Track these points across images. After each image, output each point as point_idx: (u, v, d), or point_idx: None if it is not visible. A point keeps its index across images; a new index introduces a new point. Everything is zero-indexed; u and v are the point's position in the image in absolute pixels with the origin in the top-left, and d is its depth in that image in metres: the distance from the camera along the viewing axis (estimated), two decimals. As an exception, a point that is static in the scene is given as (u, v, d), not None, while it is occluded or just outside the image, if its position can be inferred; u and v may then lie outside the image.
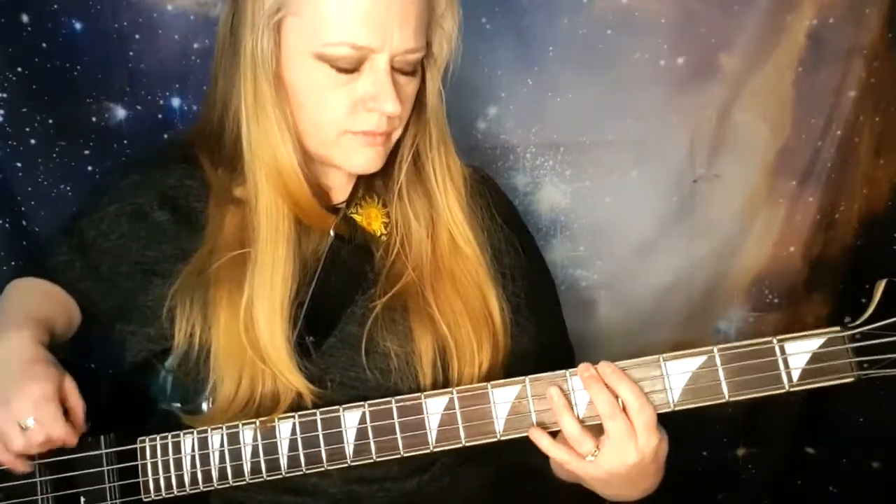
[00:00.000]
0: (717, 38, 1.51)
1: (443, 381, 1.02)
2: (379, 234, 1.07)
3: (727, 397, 0.90)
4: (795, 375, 0.89)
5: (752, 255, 1.64)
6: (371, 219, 1.07)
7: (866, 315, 0.89)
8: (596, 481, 0.95)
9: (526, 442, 0.94)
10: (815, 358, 0.89)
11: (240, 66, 0.98)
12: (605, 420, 0.89)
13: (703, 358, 0.91)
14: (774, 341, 0.90)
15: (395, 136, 1.02)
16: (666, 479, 1.71)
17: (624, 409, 0.90)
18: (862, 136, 1.55)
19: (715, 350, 0.90)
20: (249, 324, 0.98)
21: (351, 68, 0.94)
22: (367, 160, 1.01)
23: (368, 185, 1.08)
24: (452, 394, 0.95)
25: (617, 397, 0.90)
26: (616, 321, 1.66)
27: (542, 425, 0.93)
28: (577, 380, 0.92)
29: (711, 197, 1.60)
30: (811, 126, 1.55)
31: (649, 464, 0.91)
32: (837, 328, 0.89)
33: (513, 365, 1.03)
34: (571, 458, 0.92)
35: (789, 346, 0.89)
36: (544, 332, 1.11)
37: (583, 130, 1.56)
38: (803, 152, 1.57)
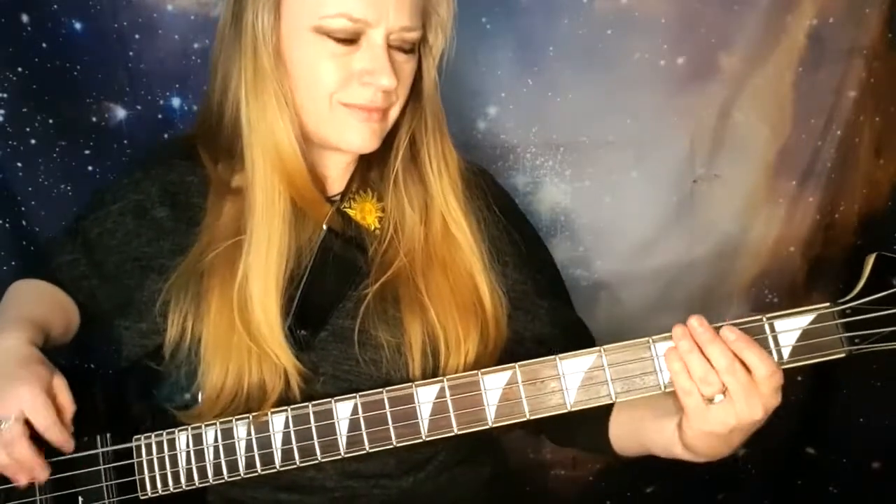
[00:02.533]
0: (717, 38, 1.51)
1: (433, 369, 1.02)
2: (373, 228, 1.07)
3: None
4: (786, 353, 0.89)
5: (752, 255, 1.64)
6: (365, 213, 1.08)
7: (856, 290, 0.89)
8: (712, 435, 0.90)
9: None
10: (806, 335, 0.88)
11: (241, 44, 0.99)
12: (762, 379, 0.86)
13: None
14: (764, 319, 0.89)
15: (393, 114, 1.03)
16: (666, 479, 1.72)
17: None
18: (862, 136, 1.55)
19: None
20: (243, 302, 0.99)
21: (349, 39, 0.96)
22: (363, 138, 1.01)
23: (363, 178, 1.08)
24: (443, 382, 0.95)
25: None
26: (616, 320, 1.66)
27: (536, 411, 0.93)
28: (568, 364, 0.92)
29: (711, 197, 1.59)
30: (811, 126, 1.55)
31: (756, 422, 0.88)
32: (827, 304, 0.89)
33: (532, 352, 1.02)
34: (691, 391, 0.87)
35: (779, 324, 0.89)
36: (559, 314, 1.12)
37: (583, 130, 1.56)
38: (803, 152, 1.57)
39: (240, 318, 0.99)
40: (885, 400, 1.60)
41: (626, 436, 1.02)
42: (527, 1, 1.49)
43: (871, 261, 0.89)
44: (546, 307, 1.10)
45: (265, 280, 0.98)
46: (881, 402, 1.61)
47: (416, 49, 1.01)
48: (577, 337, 0.96)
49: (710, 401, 0.87)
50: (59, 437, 0.95)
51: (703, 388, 0.87)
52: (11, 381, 0.94)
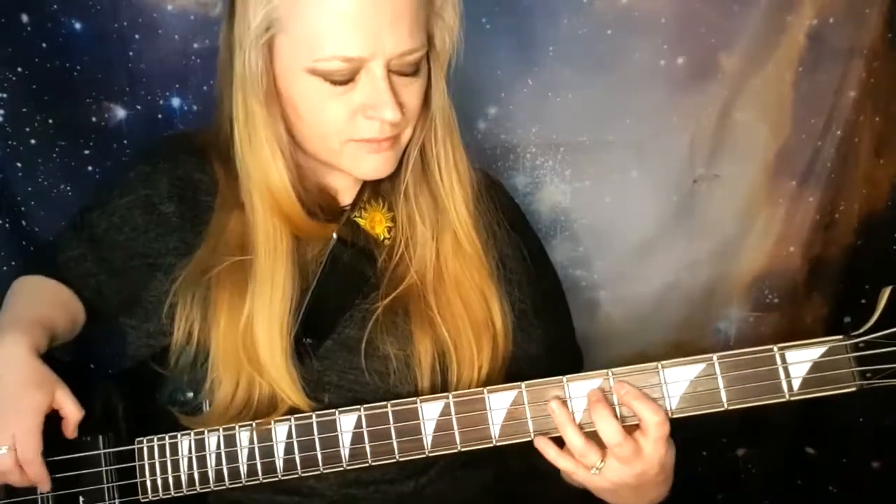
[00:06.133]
0: (717, 38, 1.50)
1: (441, 385, 1.02)
2: (382, 238, 1.07)
3: (726, 405, 0.90)
4: (796, 384, 0.88)
5: (752, 255, 1.63)
6: (375, 222, 1.07)
7: (870, 323, 0.88)
8: (603, 491, 0.95)
9: (531, 447, 0.94)
10: (817, 367, 0.88)
11: (233, 85, 0.97)
12: (612, 447, 0.89)
13: (702, 365, 0.90)
14: (775, 349, 0.89)
15: (405, 137, 1.01)
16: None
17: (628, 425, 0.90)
18: (862, 136, 1.55)
19: (714, 358, 0.90)
20: (249, 340, 0.98)
21: (346, 80, 0.93)
22: (376, 167, 1.00)
23: (375, 188, 1.07)
24: (448, 399, 0.94)
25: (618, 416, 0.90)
26: (616, 321, 1.66)
27: (541, 431, 0.93)
28: (576, 386, 0.92)
29: (711, 197, 1.59)
30: (811, 126, 1.55)
31: (656, 474, 0.91)
32: (840, 336, 0.88)
33: (523, 371, 1.03)
34: (577, 469, 0.92)
35: (790, 355, 0.88)
36: (552, 337, 1.11)
37: (583, 130, 1.56)
38: (803, 152, 1.57)
39: (245, 354, 0.98)
40: (885, 400, 1.60)
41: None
42: (527, 1, 1.49)
43: (885, 294, 0.88)
44: (542, 328, 1.10)
45: (269, 323, 0.98)
46: (881, 402, 1.61)
47: (420, 69, 0.97)
48: (565, 363, 0.96)
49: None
50: (37, 475, 0.96)
51: (585, 461, 0.90)
52: (8, 409, 0.94)
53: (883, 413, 1.63)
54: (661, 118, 1.55)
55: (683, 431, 1.66)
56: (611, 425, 0.89)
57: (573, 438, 0.90)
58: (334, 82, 0.93)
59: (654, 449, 0.89)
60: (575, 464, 0.91)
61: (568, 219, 1.62)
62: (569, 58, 1.51)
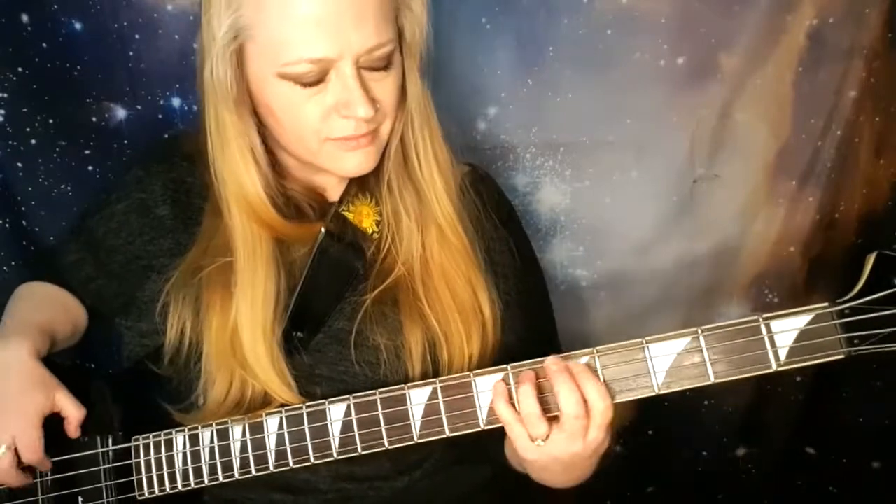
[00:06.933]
0: (717, 38, 1.50)
1: (432, 375, 1.02)
2: (370, 231, 1.07)
3: (713, 379, 0.88)
4: (783, 354, 0.87)
5: (752, 254, 1.63)
6: (362, 216, 1.07)
7: (856, 289, 0.86)
8: (536, 465, 0.95)
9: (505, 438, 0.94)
10: (803, 335, 0.86)
11: (204, 95, 0.97)
12: (568, 418, 0.89)
13: (687, 339, 0.89)
14: (760, 319, 0.87)
15: (384, 131, 1.01)
16: (666, 479, 1.72)
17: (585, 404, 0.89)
18: (862, 136, 1.55)
19: (699, 331, 0.88)
20: (237, 342, 0.99)
21: (316, 80, 0.93)
22: (357, 163, 1.00)
23: (361, 183, 1.08)
24: (435, 384, 0.95)
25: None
26: (616, 321, 1.66)
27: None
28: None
29: (711, 197, 1.59)
30: (811, 126, 1.55)
31: (588, 457, 0.92)
32: (825, 304, 0.86)
33: (500, 360, 1.03)
34: (520, 434, 0.91)
35: (776, 325, 0.87)
36: (532, 331, 1.12)
37: (583, 130, 1.56)
38: (803, 152, 1.57)
39: (234, 358, 0.99)
40: (885, 400, 1.60)
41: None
42: (527, 1, 1.49)
43: (871, 259, 0.86)
44: (523, 322, 1.10)
45: (252, 329, 0.98)
46: (881, 402, 1.61)
47: (392, 63, 0.97)
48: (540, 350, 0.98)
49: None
50: (42, 464, 0.99)
51: (532, 430, 0.90)
52: (7, 410, 0.96)
53: (883, 413, 1.63)
54: (661, 118, 1.55)
55: (684, 431, 1.67)
56: (573, 395, 0.88)
57: (531, 405, 0.90)
58: (305, 84, 0.93)
59: (597, 433, 0.89)
60: (521, 425, 0.91)
61: (568, 219, 1.62)
62: (569, 58, 1.51)
